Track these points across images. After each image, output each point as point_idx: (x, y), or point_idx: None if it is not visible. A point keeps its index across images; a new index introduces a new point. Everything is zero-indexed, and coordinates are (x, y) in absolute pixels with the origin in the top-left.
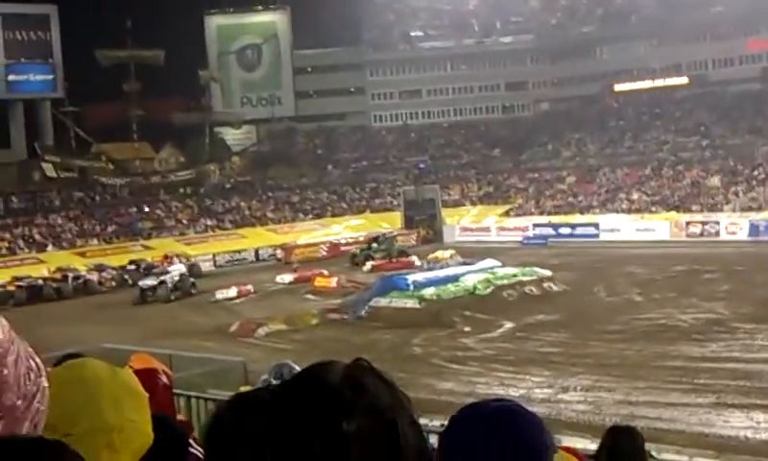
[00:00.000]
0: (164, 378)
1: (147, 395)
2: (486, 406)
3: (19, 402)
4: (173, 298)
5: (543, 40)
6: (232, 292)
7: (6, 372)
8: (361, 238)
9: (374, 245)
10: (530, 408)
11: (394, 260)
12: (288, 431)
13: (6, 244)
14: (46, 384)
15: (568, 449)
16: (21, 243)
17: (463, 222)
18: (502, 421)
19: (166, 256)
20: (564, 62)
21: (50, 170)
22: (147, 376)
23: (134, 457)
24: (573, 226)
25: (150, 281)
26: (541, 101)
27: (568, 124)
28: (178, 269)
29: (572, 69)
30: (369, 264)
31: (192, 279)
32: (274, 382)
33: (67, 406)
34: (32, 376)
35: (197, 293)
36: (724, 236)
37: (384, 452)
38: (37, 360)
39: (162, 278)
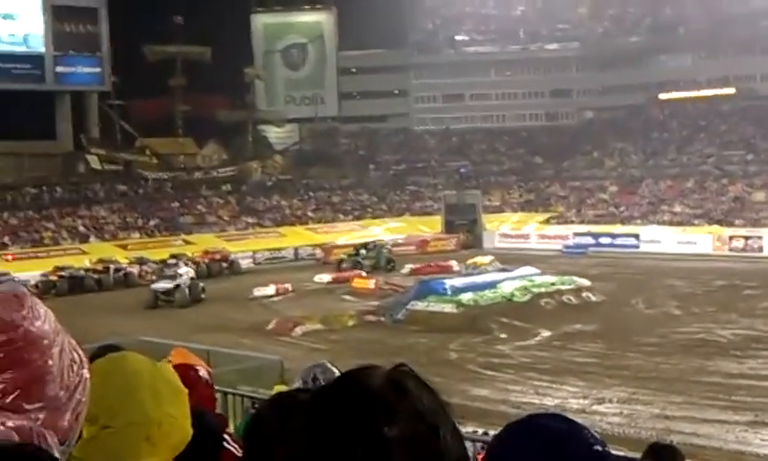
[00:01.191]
0: (204, 374)
1: (186, 390)
2: (537, 420)
3: (62, 393)
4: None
5: (590, 48)
6: (270, 290)
7: (50, 363)
8: (399, 241)
9: (363, 251)
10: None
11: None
12: (330, 434)
13: (50, 234)
14: (88, 376)
15: None
16: (65, 233)
17: (502, 228)
18: (555, 435)
19: (206, 252)
20: (610, 71)
21: (95, 162)
22: (187, 372)
23: (173, 451)
24: (614, 236)
25: (164, 284)
26: (586, 109)
27: (612, 133)
28: (186, 272)
29: (618, 78)
30: (407, 267)
31: (201, 284)
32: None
33: (107, 398)
34: (74, 367)
35: (206, 298)
36: (767, 252)
37: (426, 457)
38: (80, 352)
39: (177, 281)
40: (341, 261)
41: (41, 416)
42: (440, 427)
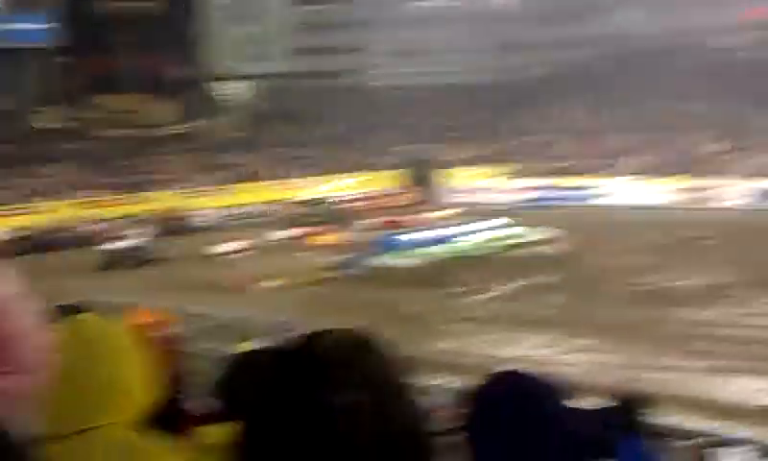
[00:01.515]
0: (167, 333)
1: (150, 351)
2: (503, 378)
3: (28, 357)
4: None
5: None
6: (230, 247)
7: (15, 327)
8: (359, 196)
9: (309, 210)
10: (529, 369)
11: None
12: (276, 403)
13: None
14: (50, 339)
15: None
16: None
17: (463, 182)
18: (522, 390)
19: (164, 210)
20: (558, 26)
21: (44, 121)
22: (149, 331)
23: (137, 413)
24: (577, 188)
25: (117, 244)
26: (541, 64)
27: (573, 86)
28: (138, 233)
29: (566, 32)
30: (366, 222)
31: (152, 244)
32: (275, 340)
33: (68, 359)
34: (37, 330)
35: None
36: (727, 203)
37: (374, 426)
38: (44, 315)
39: (130, 241)
40: (292, 219)
41: (8, 380)
42: (390, 395)
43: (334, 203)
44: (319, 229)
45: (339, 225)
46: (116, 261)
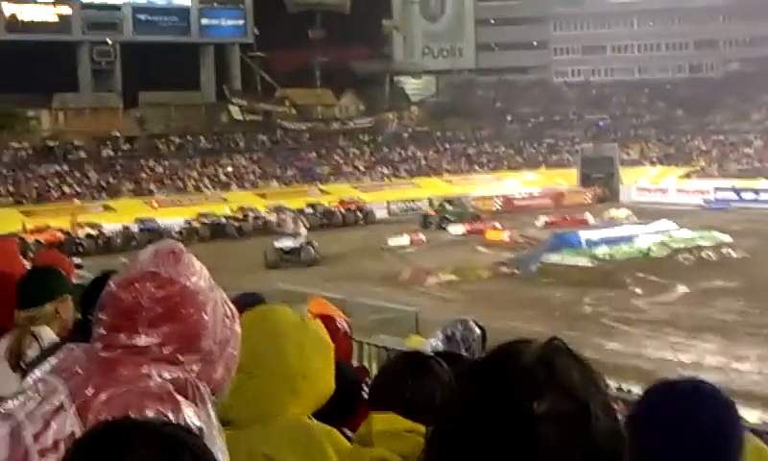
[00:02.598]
0: (343, 324)
1: (333, 345)
2: (681, 385)
3: (215, 347)
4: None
5: None
6: (405, 240)
7: (205, 317)
8: (535, 193)
9: (448, 207)
10: (701, 376)
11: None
12: (478, 410)
13: (193, 182)
14: (239, 330)
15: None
16: (207, 182)
17: (640, 182)
18: (697, 402)
19: (342, 201)
20: (758, 21)
21: (236, 113)
22: (325, 322)
23: (316, 403)
24: (757, 191)
25: (288, 243)
26: (731, 60)
27: (759, 85)
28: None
29: (766, 28)
30: (542, 220)
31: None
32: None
33: (255, 351)
34: (227, 322)
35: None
36: None
37: (575, 434)
38: (232, 307)
39: (300, 240)
40: (426, 217)
41: (195, 368)
42: (590, 404)
43: (471, 200)
44: (491, 224)
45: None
46: (285, 261)
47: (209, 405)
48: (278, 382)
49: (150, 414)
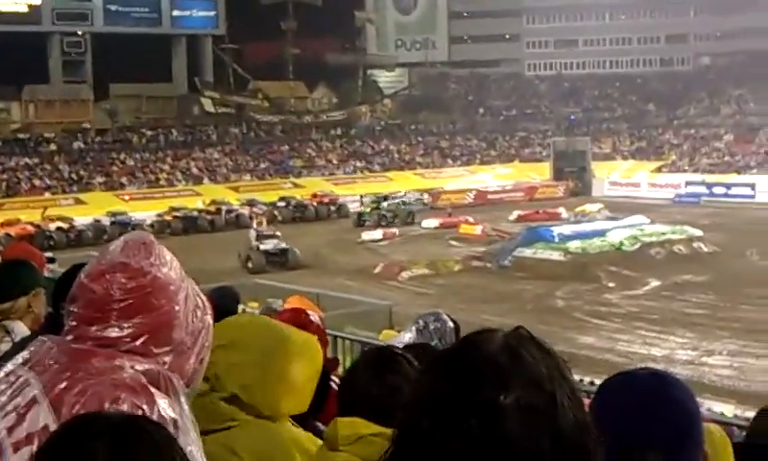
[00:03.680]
0: (316, 319)
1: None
2: (640, 375)
3: (187, 338)
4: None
5: None
6: (378, 234)
7: (177, 308)
8: (508, 187)
9: (384, 204)
10: (672, 370)
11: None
12: (444, 401)
13: (165, 176)
14: (211, 322)
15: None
16: (179, 175)
17: (612, 176)
18: (653, 389)
19: (314, 195)
20: (729, 15)
21: (208, 105)
22: (299, 316)
23: (299, 408)
24: (728, 185)
25: (272, 244)
26: (702, 55)
27: (730, 80)
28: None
29: (737, 22)
30: (515, 214)
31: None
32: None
33: (221, 365)
34: (198, 313)
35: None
36: None
37: (542, 425)
38: (203, 298)
39: (283, 243)
40: (360, 216)
41: (168, 359)
42: (556, 394)
43: (410, 199)
44: (464, 218)
45: (409, 222)
46: (270, 263)
47: (182, 397)
48: (239, 395)
49: (124, 406)
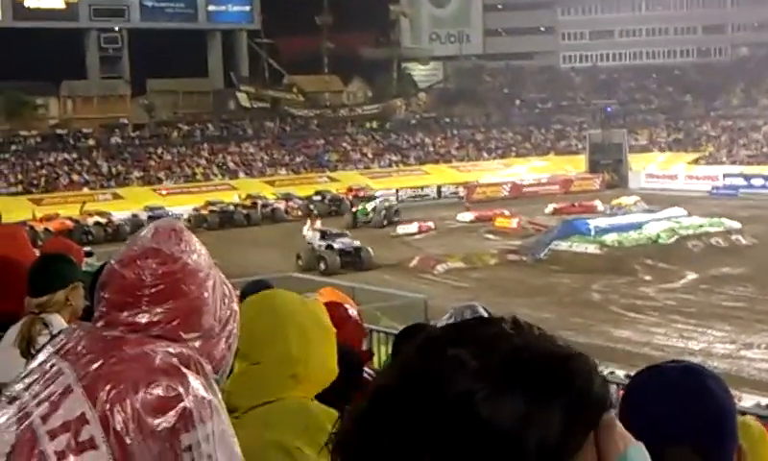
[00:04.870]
0: (353, 312)
1: (335, 329)
2: (671, 369)
3: (216, 324)
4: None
5: None
6: (413, 228)
7: (206, 294)
8: (543, 180)
9: (368, 205)
10: (710, 364)
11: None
12: (414, 389)
13: (201, 170)
14: (237, 309)
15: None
16: (215, 169)
17: (649, 168)
18: (687, 383)
19: (350, 189)
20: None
21: (244, 100)
22: (336, 309)
23: (318, 387)
24: (766, 177)
25: (345, 242)
26: (740, 45)
27: None
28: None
29: None
30: (551, 206)
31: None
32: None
33: (257, 336)
34: (226, 300)
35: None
36: None
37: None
38: (230, 286)
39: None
40: (355, 214)
41: (197, 345)
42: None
43: (391, 204)
44: (501, 211)
45: (384, 225)
46: (339, 264)
47: (212, 381)
48: (280, 368)
49: (159, 389)
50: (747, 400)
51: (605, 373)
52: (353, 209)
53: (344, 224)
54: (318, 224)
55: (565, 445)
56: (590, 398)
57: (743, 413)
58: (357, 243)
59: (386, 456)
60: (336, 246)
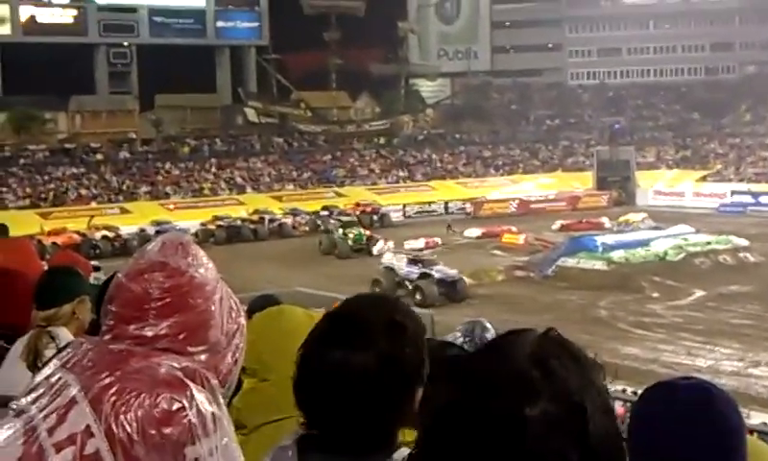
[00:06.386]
0: None
1: None
2: (679, 385)
3: (222, 338)
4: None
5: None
6: (420, 243)
7: (213, 308)
8: (551, 196)
9: (348, 230)
10: (717, 381)
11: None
12: (467, 410)
13: (209, 185)
14: (244, 323)
15: None
16: (223, 184)
17: (657, 185)
18: (696, 401)
19: (357, 204)
20: None
21: (252, 115)
22: None
23: None
24: None
25: (445, 272)
26: (748, 63)
27: None
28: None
29: None
30: (558, 223)
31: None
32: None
33: (265, 353)
34: (233, 314)
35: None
36: None
37: (570, 438)
38: (236, 300)
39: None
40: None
41: (203, 358)
42: (586, 406)
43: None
44: (508, 228)
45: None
46: (437, 295)
47: (218, 395)
48: (289, 385)
49: (163, 402)
50: (755, 418)
51: (611, 390)
52: (342, 233)
53: (322, 250)
54: (390, 245)
55: None
56: None
57: (751, 432)
58: (455, 272)
59: None
60: (436, 275)
